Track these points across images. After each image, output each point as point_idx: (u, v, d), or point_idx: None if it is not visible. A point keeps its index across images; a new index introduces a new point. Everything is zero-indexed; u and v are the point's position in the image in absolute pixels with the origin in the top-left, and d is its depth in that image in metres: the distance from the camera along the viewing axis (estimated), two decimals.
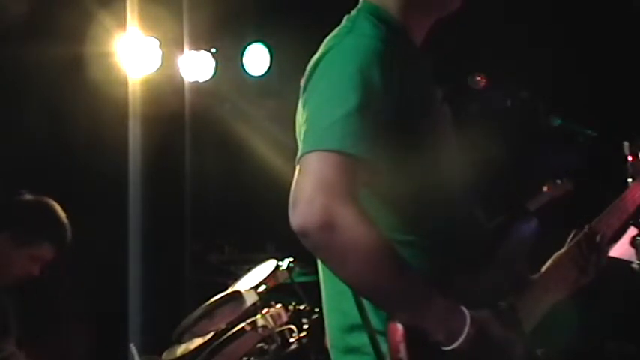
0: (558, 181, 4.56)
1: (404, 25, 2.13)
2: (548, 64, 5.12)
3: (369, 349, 1.97)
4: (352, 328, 2.01)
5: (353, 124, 1.87)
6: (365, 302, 1.97)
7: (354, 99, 1.89)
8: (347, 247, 1.82)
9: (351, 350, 2.02)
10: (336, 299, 2.06)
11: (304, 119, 1.98)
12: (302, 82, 2.06)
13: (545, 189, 4.56)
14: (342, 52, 1.99)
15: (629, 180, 2.35)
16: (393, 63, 1.97)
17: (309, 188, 1.83)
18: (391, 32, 2.06)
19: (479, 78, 4.53)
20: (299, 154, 1.92)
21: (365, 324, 1.97)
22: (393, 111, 1.94)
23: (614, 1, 4.77)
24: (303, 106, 2.01)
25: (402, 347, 1.86)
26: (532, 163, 4.98)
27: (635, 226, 2.38)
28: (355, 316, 1.99)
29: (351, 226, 1.81)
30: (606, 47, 5.10)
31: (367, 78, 1.92)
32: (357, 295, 1.97)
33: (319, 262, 2.10)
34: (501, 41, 5.05)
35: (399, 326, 1.86)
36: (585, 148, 4.36)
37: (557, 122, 4.38)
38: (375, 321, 1.97)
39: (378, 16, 2.09)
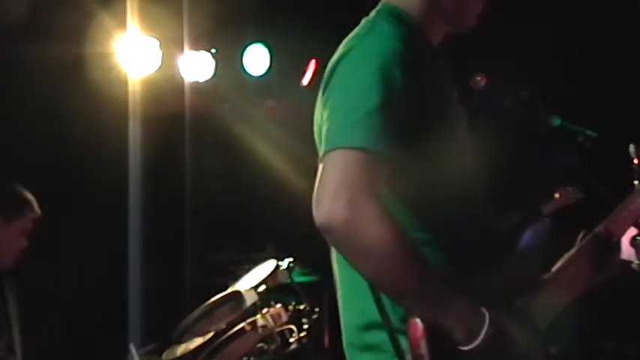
0: (570, 189, 4.57)
1: (423, 27, 2.15)
2: (548, 64, 5.11)
3: (387, 346, 1.98)
4: (370, 326, 2.03)
5: (375, 122, 1.89)
6: (384, 300, 1.99)
7: (376, 97, 1.91)
8: (370, 244, 1.84)
9: (368, 348, 2.05)
10: (353, 297, 2.08)
11: (325, 118, 2.00)
12: (322, 82, 2.08)
13: (556, 195, 4.56)
14: (363, 52, 2.01)
15: (636, 182, 2.35)
16: (413, 63, 1.99)
17: (333, 185, 1.85)
18: (410, 33, 2.08)
19: (479, 78, 4.53)
20: (322, 152, 1.94)
21: (384, 321, 1.99)
22: (413, 110, 1.96)
23: (615, 0, 4.77)
24: (324, 106, 2.03)
25: (423, 343, 1.87)
26: (532, 163, 4.98)
27: (635, 226, 2.38)
28: (373, 314, 2.00)
29: (375, 223, 1.83)
30: (607, 47, 5.10)
31: (388, 77, 1.94)
32: (377, 291, 1.98)
33: (335, 262, 2.12)
34: (501, 41, 5.05)
35: (419, 322, 1.88)
36: (585, 148, 4.36)
37: (557, 122, 4.38)
38: (393, 319, 1.98)
39: (398, 17, 2.11)
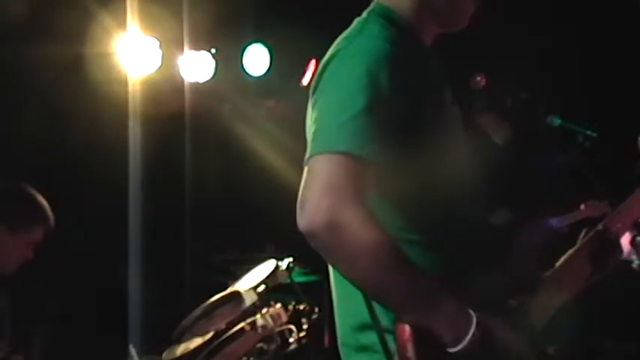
0: (597, 202, 4.57)
1: (415, 27, 2.14)
2: (548, 64, 5.11)
3: (380, 347, 1.98)
4: (363, 327, 2.03)
5: (361, 126, 1.88)
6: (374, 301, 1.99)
7: (362, 101, 1.90)
8: (353, 249, 1.83)
9: (362, 349, 2.04)
10: (347, 298, 2.07)
11: (313, 120, 1.99)
12: (312, 83, 2.07)
13: (582, 207, 4.57)
14: (350, 54, 2.00)
15: None
16: (403, 65, 1.98)
17: (317, 190, 1.84)
18: (401, 34, 2.07)
19: (479, 78, 4.53)
20: (307, 156, 1.93)
21: (374, 323, 1.99)
22: (403, 112, 1.95)
23: (615, 0, 4.77)
24: (313, 107, 2.03)
25: (410, 347, 1.87)
26: (532, 163, 4.97)
27: (636, 226, 2.37)
28: (366, 315, 2.00)
29: (358, 227, 1.82)
30: (606, 47, 5.11)
31: (375, 79, 1.92)
32: (365, 295, 1.98)
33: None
34: (501, 41, 5.05)
35: (407, 326, 1.87)
36: (585, 148, 4.36)
37: (557, 122, 4.38)
38: (384, 320, 1.98)
39: (389, 18, 2.10)
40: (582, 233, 2.29)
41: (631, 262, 2.50)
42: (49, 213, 3.77)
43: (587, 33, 5.13)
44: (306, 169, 1.91)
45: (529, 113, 4.51)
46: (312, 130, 1.96)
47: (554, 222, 4.60)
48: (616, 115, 4.75)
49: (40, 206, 3.75)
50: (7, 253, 3.67)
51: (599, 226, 2.27)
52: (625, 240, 2.38)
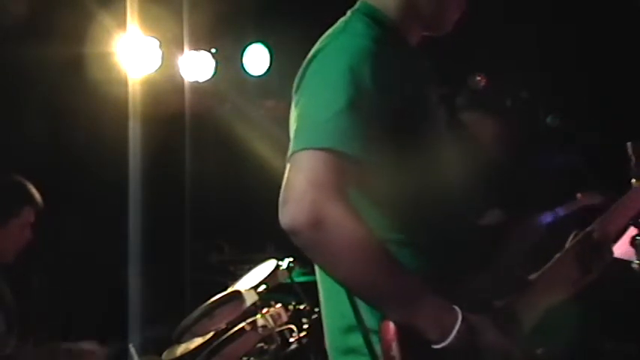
0: (593, 193, 4.56)
1: (399, 27, 2.13)
2: (548, 64, 5.11)
3: (367, 349, 1.97)
4: (350, 329, 2.01)
5: (343, 123, 1.88)
6: (359, 302, 1.97)
7: (345, 97, 1.89)
8: (336, 245, 1.82)
9: (350, 351, 2.02)
10: (333, 300, 2.06)
11: (296, 117, 1.99)
12: (295, 80, 2.07)
13: (579, 196, 4.56)
14: (333, 51, 2.00)
15: (633, 180, 2.34)
16: (386, 63, 1.97)
17: (299, 186, 1.84)
18: (386, 33, 2.07)
19: (479, 78, 4.53)
20: (289, 152, 1.92)
21: (359, 324, 1.97)
22: (388, 111, 1.94)
23: (615, 0, 4.77)
24: (296, 105, 2.02)
25: (395, 345, 1.86)
26: (532, 163, 4.97)
27: (635, 226, 2.37)
28: (352, 317, 1.99)
29: (341, 223, 1.81)
30: (607, 46, 5.11)
31: (358, 77, 1.92)
32: (350, 293, 1.97)
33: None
34: (501, 41, 5.04)
35: (391, 325, 1.86)
36: (585, 147, 4.36)
37: (557, 122, 4.38)
38: (370, 321, 1.97)
39: (373, 17, 2.10)
40: (572, 234, 2.28)
41: (631, 261, 2.50)
42: (32, 191, 3.77)
43: (587, 33, 5.13)
44: (288, 166, 1.91)
45: (529, 113, 4.51)
46: (295, 126, 1.96)
47: (559, 211, 4.59)
48: (616, 115, 4.75)
49: (19, 188, 3.76)
50: (5, 242, 3.69)
51: (590, 228, 2.26)
52: (625, 240, 2.38)
